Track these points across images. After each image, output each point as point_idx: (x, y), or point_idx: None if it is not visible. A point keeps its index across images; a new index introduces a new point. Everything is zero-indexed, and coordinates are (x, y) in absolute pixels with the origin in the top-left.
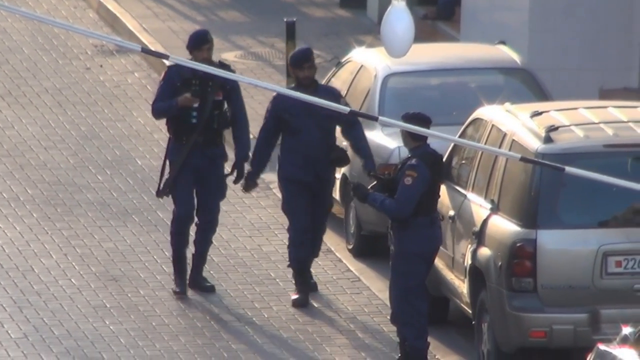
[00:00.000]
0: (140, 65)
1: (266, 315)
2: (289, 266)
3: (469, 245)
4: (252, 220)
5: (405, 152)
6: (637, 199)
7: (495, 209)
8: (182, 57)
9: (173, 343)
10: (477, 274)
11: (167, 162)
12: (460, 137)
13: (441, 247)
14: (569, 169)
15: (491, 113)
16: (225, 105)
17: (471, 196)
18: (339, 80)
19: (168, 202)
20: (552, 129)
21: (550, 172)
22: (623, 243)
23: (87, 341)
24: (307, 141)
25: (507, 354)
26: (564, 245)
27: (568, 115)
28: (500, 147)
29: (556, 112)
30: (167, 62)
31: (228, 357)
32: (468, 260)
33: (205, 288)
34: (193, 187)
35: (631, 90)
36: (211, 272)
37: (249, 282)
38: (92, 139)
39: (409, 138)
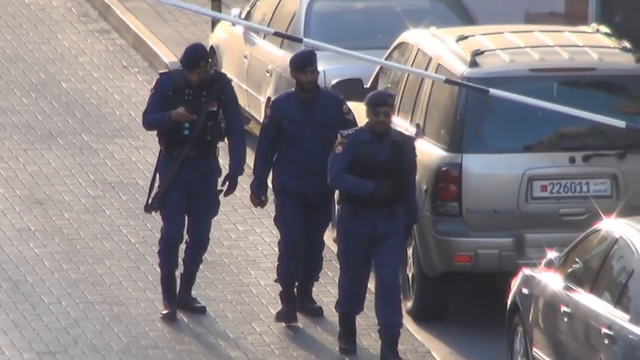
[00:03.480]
0: None
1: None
2: (276, 281)
3: None
4: None
5: (332, 75)
6: (562, 123)
7: (420, 133)
8: None
9: (97, 266)
10: None
11: (157, 175)
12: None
13: None
14: (493, 91)
15: (417, 37)
16: (220, 116)
17: (397, 120)
18: (265, 4)
19: (93, 125)
20: (478, 53)
21: (476, 96)
22: (548, 167)
23: (11, 264)
24: (305, 151)
25: (432, 278)
26: (489, 170)
27: (494, 40)
28: (425, 71)
29: (482, 37)
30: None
31: (152, 280)
32: None
33: (195, 309)
34: (184, 204)
35: (557, 15)
36: (136, 195)
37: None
38: (16, 62)
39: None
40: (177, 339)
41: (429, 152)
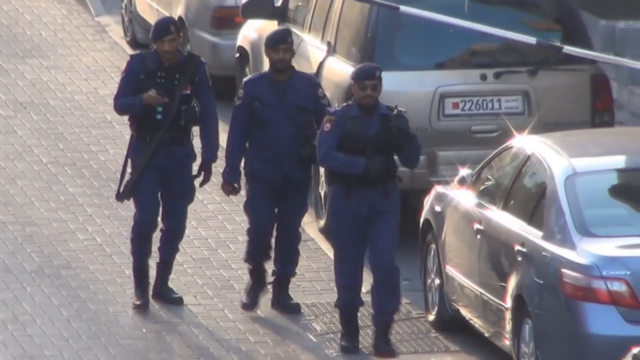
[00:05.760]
0: None
1: (102, 159)
2: (245, 260)
3: None
4: (88, 63)
5: None
6: (473, 40)
7: (331, 51)
8: None
9: (9, 187)
10: None
11: (129, 162)
12: None
13: None
14: (403, 8)
15: None
16: (194, 100)
17: (308, 38)
18: None
19: (4, 46)
20: None
21: (386, 13)
22: (460, 85)
23: None
24: (276, 135)
25: None
26: (401, 87)
27: None
28: None
29: None
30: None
31: (64, 200)
32: None
33: (172, 300)
34: (157, 190)
35: None
36: (47, 115)
37: (85, 125)
38: None
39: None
40: (90, 259)
41: (340, 69)
